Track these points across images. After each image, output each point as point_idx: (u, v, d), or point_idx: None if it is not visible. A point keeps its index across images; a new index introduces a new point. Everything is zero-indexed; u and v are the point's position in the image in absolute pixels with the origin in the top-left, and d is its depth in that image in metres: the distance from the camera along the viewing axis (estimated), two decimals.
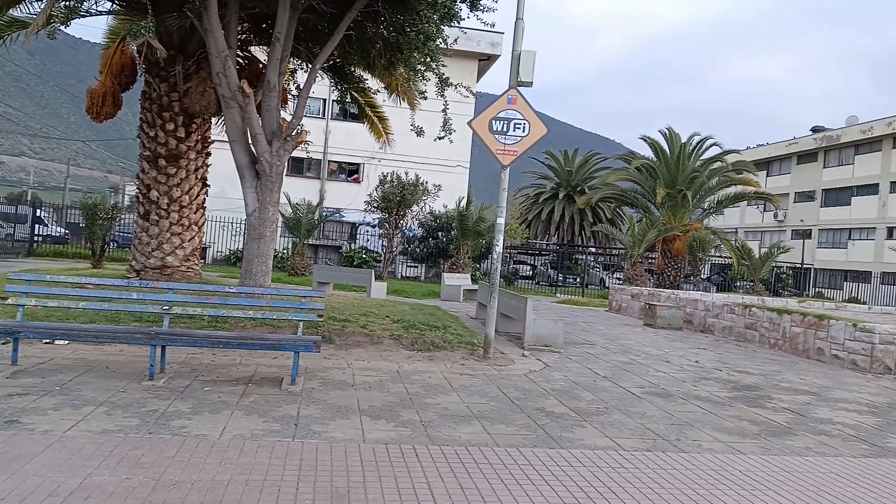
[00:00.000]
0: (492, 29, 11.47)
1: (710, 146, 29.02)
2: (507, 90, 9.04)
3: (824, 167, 46.62)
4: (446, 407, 6.27)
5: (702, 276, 38.31)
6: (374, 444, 4.95)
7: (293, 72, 13.56)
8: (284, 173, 10.91)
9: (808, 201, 47.67)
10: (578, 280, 32.95)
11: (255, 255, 10.25)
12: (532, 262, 41.40)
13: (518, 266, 38.26)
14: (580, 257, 40.05)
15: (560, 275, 34.70)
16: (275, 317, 7.28)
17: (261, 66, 12.69)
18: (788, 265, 41.33)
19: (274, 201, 10.36)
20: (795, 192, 48.89)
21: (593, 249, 44.37)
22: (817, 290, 43.27)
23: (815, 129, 48.75)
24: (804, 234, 46.38)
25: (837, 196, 45.35)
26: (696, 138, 28.67)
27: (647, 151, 30.69)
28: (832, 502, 4.48)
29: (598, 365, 9.38)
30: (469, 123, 9.06)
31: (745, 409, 7.26)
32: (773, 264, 30.76)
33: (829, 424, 6.79)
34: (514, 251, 44.28)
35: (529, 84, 9.04)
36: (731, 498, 4.42)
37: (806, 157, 48.27)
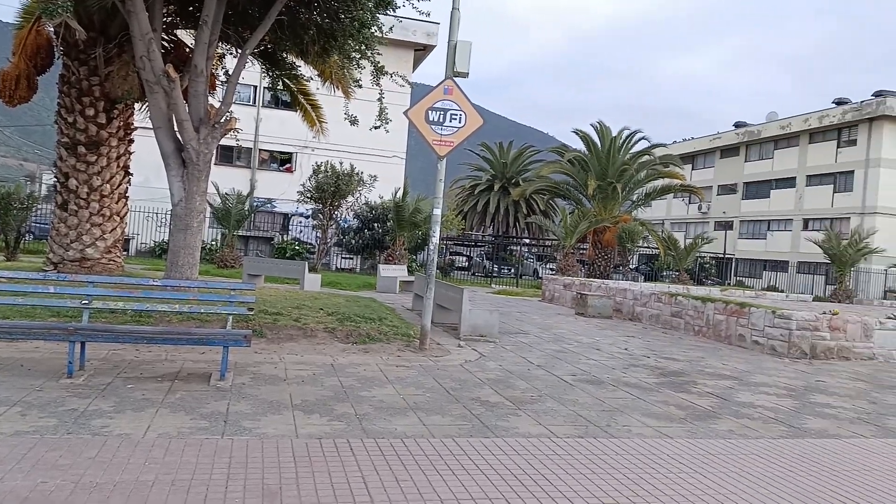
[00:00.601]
0: (427, 19, 11.41)
1: (639, 140, 29.87)
2: (443, 80, 9.01)
3: (746, 161, 48.72)
4: (382, 399, 6.22)
5: (630, 266, 39.54)
6: (307, 439, 4.85)
7: (222, 57, 13.12)
8: (212, 162, 10.56)
9: (731, 194, 49.74)
10: (513, 271, 33.35)
11: (182, 246, 9.88)
12: (468, 254, 41.68)
13: (454, 257, 38.47)
14: (515, 248, 40.62)
15: (495, 266, 35.08)
16: (202, 310, 7.04)
17: (187, 50, 12.22)
18: (711, 255, 43.08)
19: (201, 191, 10.01)
20: (719, 185, 50.91)
21: (527, 240, 45.07)
22: (738, 279, 45.33)
23: (737, 125, 50.80)
24: (726, 226, 48.40)
25: (758, 189, 47.50)
26: (626, 132, 29.44)
27: (579, 145, 31.33)
28: (753, 482, 4.68)
29: (531, 354, 9.52)
30: (405, 113, 8.98)
31: (672, 394, 7.51)
32: (697, 254, 32.01)
33: (750, 408, 7.10)
34: (450, 242, 44.48)
35: (465, 75, 9.02)
36: (659, 481, 4.55)
37: (729, 151, 50.32)
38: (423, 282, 12.05)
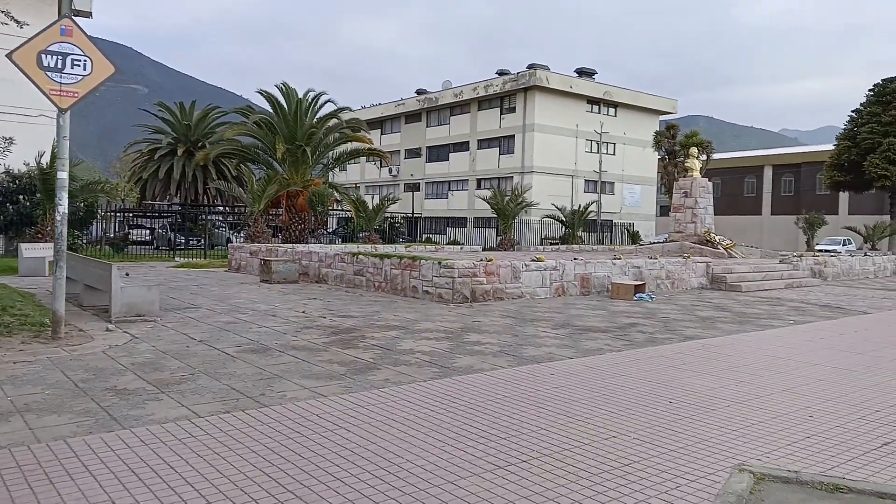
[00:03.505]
0: None
1: (325, 103, 29.80)
2: (58, 19, 7.56)
3: (427, 126, 52.31)
4: None
5: (328, 229, 39.96)
6: None
7: None
8: None
9: (416, 157, 53.13)
10: (203, 241, 31.24)
11: None
12: (150, 225, 37.94)
13: (132, 230, 34.74)
14: (208, 217, 38.12)
15: (182, 237, 32.48)
16: None
17: None
18: (402, 215, 45.67)
19: None
20: (406, 149, 53.99)
21: (221, 208, 42.64)
22: (427, 236, 48.86)
23: (419, 92, 54.10)
24: (414, 187, 51.70)
25: (438, 152, 51.46)
26: (312, 94, 29.14)
27: (267, 106, 30.15)
28: (398, 426, 4.76)
29: (197, 329, 8.77)
30: (9, 56, 7.36)
31: (339, 351, 7.49)
32: (387, 215, 33.49)
33: (409, 355, 7.40)
34: (128, 214, 39.93)
35: (89, 14, 7.78)
36: (301, 444, 4.36)
37: (412, 117, 53.48)
38: (71, 260, 10.39)
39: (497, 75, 47.33)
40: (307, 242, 26.77)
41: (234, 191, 26.99)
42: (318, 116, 29.54)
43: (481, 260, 12.62)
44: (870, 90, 43.90)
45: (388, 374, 6.44)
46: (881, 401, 5.84)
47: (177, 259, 24.86)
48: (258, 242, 21.66)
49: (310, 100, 29.12)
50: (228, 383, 5.97)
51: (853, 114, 44.52)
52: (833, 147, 46.10)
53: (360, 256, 14.29)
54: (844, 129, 44.94)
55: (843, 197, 54.65)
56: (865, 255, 26.36)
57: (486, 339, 8.53)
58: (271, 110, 29.30)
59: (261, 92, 29.23)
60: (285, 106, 28.71)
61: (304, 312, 10.49)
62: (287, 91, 28.87)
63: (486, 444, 4.50)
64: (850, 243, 44.09)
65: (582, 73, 48.87)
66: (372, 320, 9.85)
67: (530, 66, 45.09)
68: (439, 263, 12.19)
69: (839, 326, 10.53)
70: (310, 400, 5.47)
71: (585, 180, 46.31)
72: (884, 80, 43.47)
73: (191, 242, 31.93)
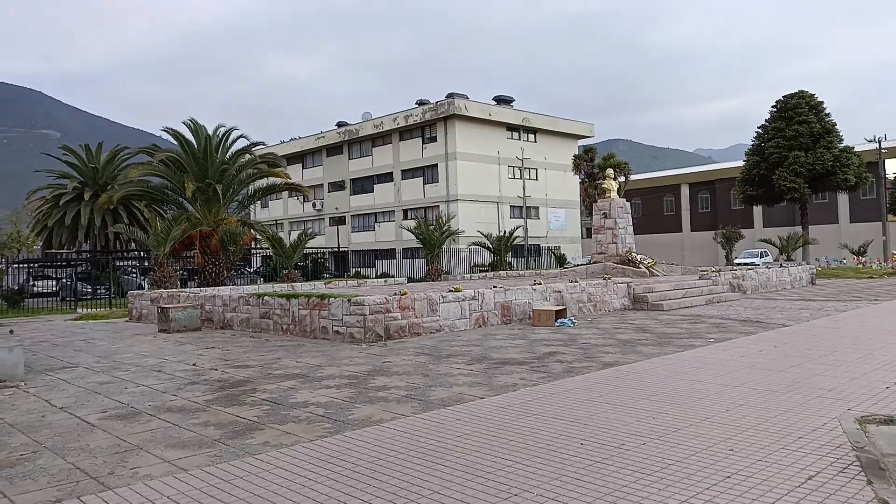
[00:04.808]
0: None
1: (238, 138, 28.74)
2: None
3: (349, 159, 51.61)
4: None
5: (250, 269, 38.50)
6: None
7: None
8: None
9: (340, 190, 52.23)
10: (109, 290, 29.38)
11: None
12: (56, 276, 35.56)
13: (37, 282, 32.45)
14: (121, 264, 35.98)
15: (90, 286, 30.48)
16: None
17: None
18: (329, 250, 44.60)
19: None
20: (329, 183, 53.04)
21: (136, 254, 40.48)
22: (356, 269, 47.87)
23: (339, 125, 53.43)
24: (339, 221, 50.70)
25: (363, 184, 50.75)
26: (223, 130, 28.04)
27: (174, 145, 28.80)
28: None
29: (63, 393, 7.71)
30: None
31: (220, 410, 6.63)
32: (311, 250, 32.38)
33: (301, 409, 6.61)
34: (34, 265, 37.46)
35: None
36: None
37: (334, 149, 52.69)
38: None
39: (417, 105, 47.24)
40: (224, 284, 25.42)
41: (135, 234, 25.42)
42: (230, 152, 28.43)
43: (395, 294, 11.93)
44: (773, 106, 45.94)
45: (270, 436, 5.65)
46: (803, 425, 5.47)
47: (79, 310, 23.10)
48: (165, 288, 20.29)
49: (220, 136, 28.01)
50: (75, 461, 5.06)
51: (759, 130, 46.43)
52: (743, 163, 47.92)
53: (266, 298, 13.35)
54: (752, 145, 46.77)
55: (757, 210, 56.97)
56: (781, 266, 27.13)
57: (394, 382, 7.83)
58: (180, 148, 28.01)
59: (167, 130, 27.89)
60: (194, 143, 27.51)
61: (194, 365, 9.51)
62: (196, 127, 27.69)
63: None
64: (767, 255, 45.74)
65: (500, 100, 49.39)
66: (270, 370, 8.99)
67: (449, 96, 45.21)
68: (349, 301, 11.43)
69: (758, 342, 10.36)
70: (165, 477, 4.63)
71: (510, 206, 46.48)
72: (785, 96, 45.57)
73: (99, 291, 29.97)
